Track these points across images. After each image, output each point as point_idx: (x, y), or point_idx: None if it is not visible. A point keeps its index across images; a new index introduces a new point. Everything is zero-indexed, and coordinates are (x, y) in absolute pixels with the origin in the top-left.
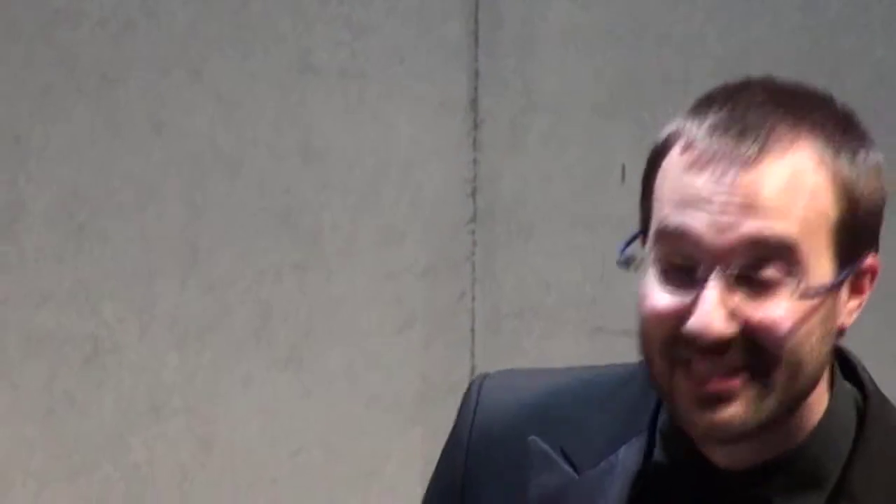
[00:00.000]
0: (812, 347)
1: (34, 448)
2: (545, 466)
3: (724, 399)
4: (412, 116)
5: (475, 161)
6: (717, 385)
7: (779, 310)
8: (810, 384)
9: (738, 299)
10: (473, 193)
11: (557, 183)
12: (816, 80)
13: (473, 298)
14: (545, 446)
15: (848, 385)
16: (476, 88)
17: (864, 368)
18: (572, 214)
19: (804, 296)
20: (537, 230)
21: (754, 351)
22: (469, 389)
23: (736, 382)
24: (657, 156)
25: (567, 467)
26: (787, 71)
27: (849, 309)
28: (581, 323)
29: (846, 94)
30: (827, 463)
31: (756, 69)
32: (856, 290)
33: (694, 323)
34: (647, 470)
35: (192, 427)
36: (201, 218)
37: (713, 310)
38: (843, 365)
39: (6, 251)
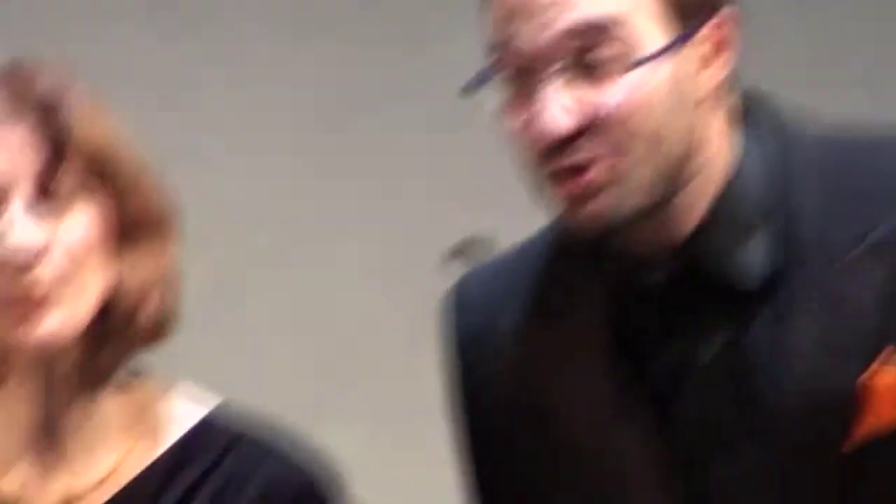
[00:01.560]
0: (665, 119)
1: None
2: (532, 331)
3: (590, 194)
4: None
5: None
6: (579, 182)
7: (614, 88)
8: (676, 157)
9: (576, 90)
10: None
11: None
12: None
13: None
14: (516, 316)
15: (761, 130)
16: None
17: (776, 106)
18: None
19: (634, 66)
20: None
21: (605, 134)
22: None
23: (596, 173)
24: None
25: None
26: None
27: (710, 75)
28: None
29: None
30: (756, 198)
31: None
32: (715, 54)
33: (536, 127)
34: (617, 296)
35: None
36: None
37: (549, 108)
38: (757, 110)
39: None
